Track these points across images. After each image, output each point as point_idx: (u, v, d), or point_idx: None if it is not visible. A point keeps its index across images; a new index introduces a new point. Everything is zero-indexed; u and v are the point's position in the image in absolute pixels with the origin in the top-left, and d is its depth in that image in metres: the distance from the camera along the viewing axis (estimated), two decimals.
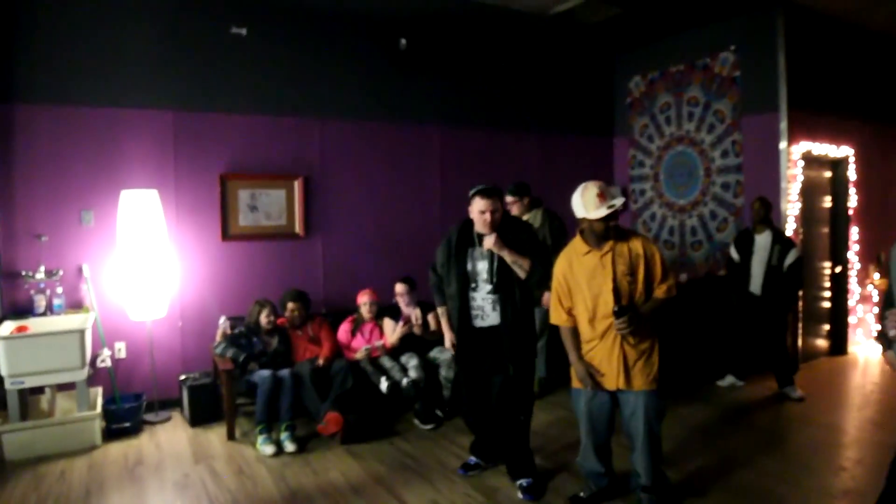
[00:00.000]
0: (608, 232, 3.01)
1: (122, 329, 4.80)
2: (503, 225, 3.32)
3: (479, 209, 3.27)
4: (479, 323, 3.38)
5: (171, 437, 4.44)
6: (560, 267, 3.14)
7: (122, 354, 4.84)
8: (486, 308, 3.36)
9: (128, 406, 4.50)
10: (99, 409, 4.36)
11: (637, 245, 3.03)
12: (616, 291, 2.96)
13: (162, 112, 4.93)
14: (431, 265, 3.64)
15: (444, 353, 4.75)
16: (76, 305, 4.67)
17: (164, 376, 4.90)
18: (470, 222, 3.39)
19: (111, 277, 4.75)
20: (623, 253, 3.01)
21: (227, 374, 4.36)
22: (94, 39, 4.68)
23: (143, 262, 4.55)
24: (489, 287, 3.32)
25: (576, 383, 3.19)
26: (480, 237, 3.34)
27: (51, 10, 4.56)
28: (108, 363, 4.67)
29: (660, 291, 3.03)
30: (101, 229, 4.74)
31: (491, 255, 3.30)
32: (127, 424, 4.44)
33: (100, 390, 4.62)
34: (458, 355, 3.52)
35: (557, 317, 3.16)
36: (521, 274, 3.26)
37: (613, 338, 2.99)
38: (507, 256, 3.25)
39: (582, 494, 3.29)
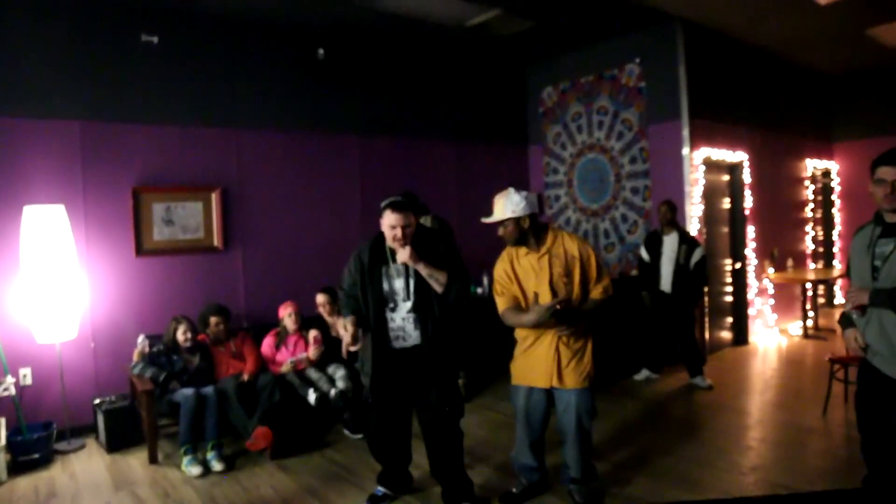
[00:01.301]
0: (534, 237, 3.13)
1: (28, 353, 4.50)
2: (417, 237, 3.10)
3: (389, 224, 3.03)
4: (399, 344, 3.15)
5: (86, 465, 4.20)
6: (502, 265, 3.23)
7: (28, 381, 4.53)
8: (407, 328, 3.13)
9: (36, 436, 4.23)
10: (3, 440, 4.05)
11: (573, 247, 3.15)
12: (553, 293, 3.07)
13: (68, 122, 4.68)
14: (338, 284, 3.38)
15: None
16: None
17: (77, 401, 4.64)
18: (381, 238, 3.16)
19: (14, 298, 4.46)
20: (559, 255, 3.12)
21: (146, 394, 4.17)
22: None
23: (50, 280, 4.30)
24: (408, 305, 3.11)
25: (515, 380, 3.28)
26: (394, 253, 3.12)
27: None
28: (12, 391, 4.36)
29: (596, 292, 3.16)
30: (2, 247, 4.44)
31: (406, 270, 3.11)
32: (36, 456, 4.16)
33: (2, 421, 4.29)
34: (373, 380, 3.19)
35: (503, 303, 3.17)
36: (438, 288, 3.07)
37: (550, 338, 3.11)
38: (423, 270, 3.05)
39: (514, 490, 3.38)
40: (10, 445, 4.13)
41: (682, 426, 4.54)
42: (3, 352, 4.36)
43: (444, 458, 3.28)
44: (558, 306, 2.97)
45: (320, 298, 5.02)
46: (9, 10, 4.46)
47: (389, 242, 3.09)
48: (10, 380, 4.36)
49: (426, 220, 5.00)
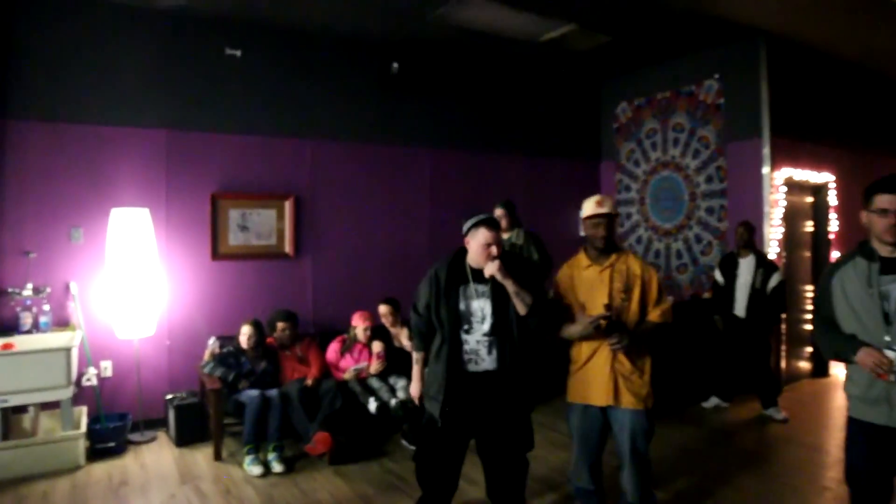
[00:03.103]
0: (608, 247, 3.09)
1: (109, 348, 4.77)
2: (503, 257, 2.96)
3: (484, 241, 2.90)
4: (471, 368, 2.97)
5: (156, 457, 4.39)
6: (562, 276, 3.21)
7: (109, 373, 4.80)
8: (480, 352, 2.97)
9: (113, 426, 4.46)
10: (83, 428, 4.31)
11: (635, 265, 3.10)
12: (609, 307, 3.00)
13: (155, 131, 4.96)
14: (413, 305, 3.19)
15: None
16: (63, 323, 4.64)
17: (150, 396, 4.87)
18: (460, 256, 3.04)
19: (99, 295, 4.73)
20: (622, 270, 3.08)
21: (214, 393, 4.33)
22: (88, 57, 4.73)
23: (132, 280, 4.54)
24: (485, 328, 2.96)
25: (571, 397, 3.22)
26: (474, 273, 2.99)
27: (46, 28, 4.60)
28: (94, 382, 4.64)
29: (654, 315, 3.07)
30: (90, 247, 4.73)
31: (487, 291, 2.97)
32: (112, 444, 4.39)
33: (84, 409, 4.57)
34: (443, 405, 2.96)
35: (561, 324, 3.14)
36: (522, 309, 2.91)
37: (606, 354, 3.04)
38: (510, 286, 2.89)
39: None
40: (90, 433, 4.38)
41: (751, 459, 4.31)
42: (87, 344, 4.64)
43: (506, 487, 3.13)
44: (602, 322, 2.92)
45: (383, 309, 5.08)
46: (103, 24, 4.78)
47: (478, 260, 2.96)
48: (92, 371, 4.63)
49: (518, 234, 5.01)
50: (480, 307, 2.98)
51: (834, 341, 2.40)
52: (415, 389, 3.26)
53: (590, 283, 3.10)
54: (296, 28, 5.45)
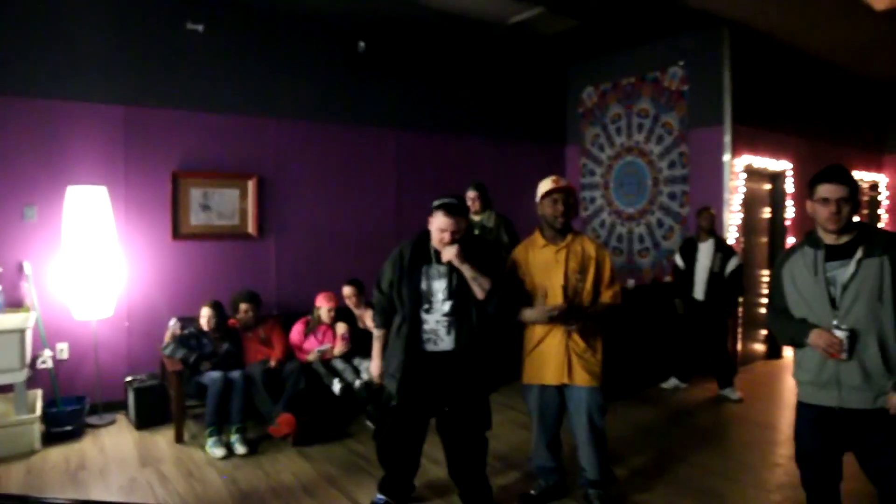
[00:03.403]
0: (565, 227, 3.16)
1: (65, 329, 4.65)
2: (466, 241, 2.97)
3: (439, 227, 2.90)
4: (430, 347, 3.00)
5: (115, 440, 4.32)
6: (518, 254, 3.27)
7: (65, 355, 4.68)
8: (439, 331, 2.99)
9: (70, 409, 4.37)
10: (38, 412, 4.20)
11: (590, 247, 3.19)
12: (565, 287, 3.10)
13: (113, 107, 4.81)
14: (377, 283, 3.19)
15: None
16: (16, 304, 4.50)
17: (109, 378, 4.77)
18: (425, 237, 3.05)
19: (55, 275, 4.60)
20: (577, 251, 3.16)
21: (176, 375, 4.27)
22: (42, 29, 4.55)
23: (89, 259, 4.43)
24: (445, 308, 2.97)
25: (526, 378, 3.27)
26: (437, 253, 2.99)
27: None
28: (50, 364, 4.52)
29: (606, 296, 3.18)
30: (44, 225, 4.58)
31: (449, 272, 2.98)
32: (69, 428, 4.30)
33: (39, 393, 4.45)
34: (401, 383, 3.00)
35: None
36: (480, 294, 2.93)
37: (560, 335, 3.11)
38: (468, 272, 2.91)
39: (532, 492, 3.37)
40: (45, 416, 4.28)
41: (707, 437, 4.46)
42: (42, 326, 4.51)
43: (465, 465, 3.18)
44: (554, 312, 3.01)
45: (347, 290, 5.05)
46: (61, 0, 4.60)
47: (435, 243, 2.97)
48: (47, 353, 4.51)
49: (489, 216, 5.02)
50: (441, 288, 3.00)
51: (787, 327, 2.49)
52: (375, 367, 3.30)
53: (545, 263, 3.16)
54: (261, 4, 5.31)
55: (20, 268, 4.52)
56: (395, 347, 3.08)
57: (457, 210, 2.92)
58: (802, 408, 2.49)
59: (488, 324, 3.03)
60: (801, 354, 2.46)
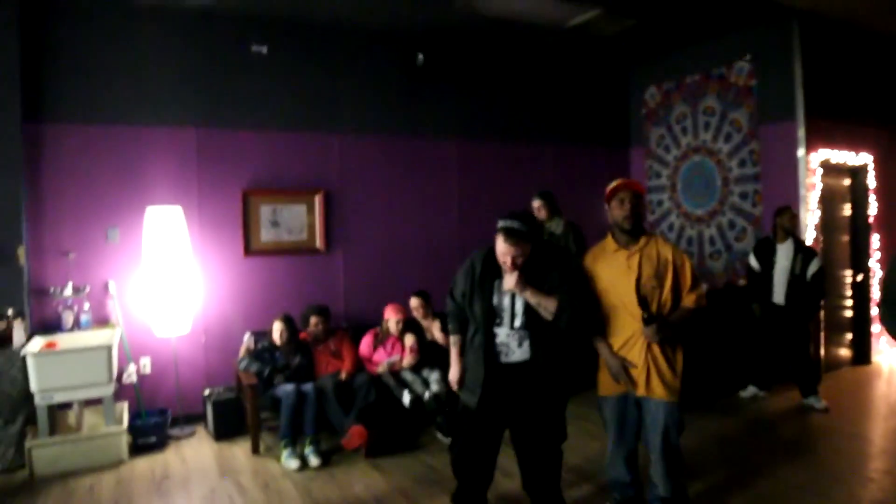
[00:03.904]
0: (635, 229, 3.02)
1: (148, 345, 4.87)
2: (534, 256, 2.90)
3: (501, 251, 2.85)
4: (503, 359, 2.98)
5: (196, 451, 4.48)
6: (588, 259, 3.17)
7: (148, 370, 4.90)
8: (511, 344, 2.97)
9: (153, 421, 4.56)
10: (125, 424, 4.41)
11: (666, 251, 3.02)
12: (640, 295, 2.96)
13: (184, 129, 5.02)
14: (450, 290, 3.18)
15: None
16: (103, 321, 4.75)
17: (189, 391, 4.96)
18: (495, 250, 2.97)
19: (136, 293, 4.83)
20: (651, 256, 3.00)
21: (251, 388, 4.40)
22: (116, 58, 4.81)
23: (168, 278, 4.62)
24: (516, 323, 2.95)
25: (603, 390, 3.19)
26: None
27: (75, 30, 4.68)
28: (134, 378, 4.73)
29: (689, 300, 3.01)
30: (126, 246, 4.82)
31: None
32: (153, 439, 4.49)
33: (126, 405, 4.68)
34: (482, 394, 2.98)
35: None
36: (547, 316, 2.89)
37: (640, 345, 2.99)
38: (531, 298, 2.87)
39: None
40: (132, 428, 4.48)
41: (791, 450, 4.23)
42: (126, 342, 4.74)
43: (539, 478, 3.11)
44: (623, 379, 3.00)
45: (414, 302, 5.09)
46: (130, 25, 4.85)
47: (501, 264, 2.92)
48: (132, 368, 4.73)
49: (558, 224, 4.99)
50: (511, 304, 2.96)
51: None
52: (454, 374, 3.23)
53: (618, 269, 3.02)
54: (320, 22, 5.45)
55: (106, 286, 4.77)
56: (471, 360, 3.07)
57: (517, 234, 2.82)
58: None
59: (561, 336, 2.98)
60: None
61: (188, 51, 5.03)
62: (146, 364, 4.89)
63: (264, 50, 5.25)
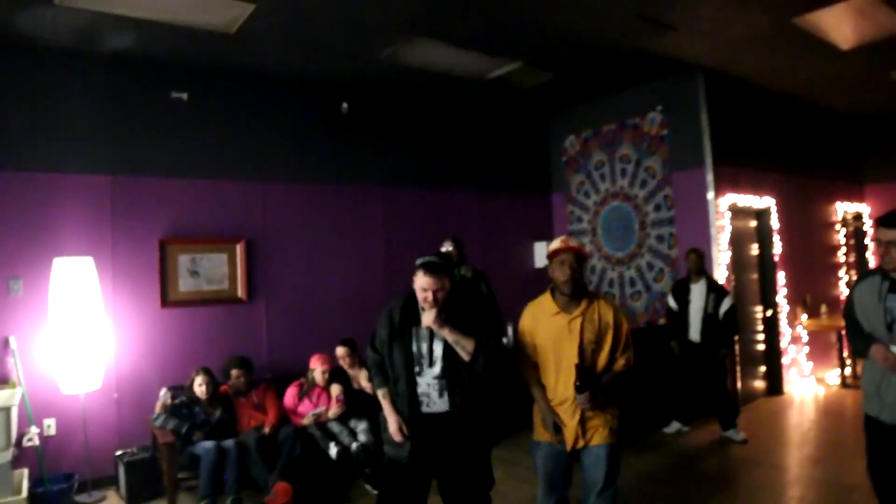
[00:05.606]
0: (577, 290, 2.97)
1: (53, 404, 4.53)
2: (452, 294, 2.85)
3: (421, 286, 2.79)
4: (424, 409, 2.90)
5: None
6: (525, 322, 3.11)
7: (52, 431, 4.55)
8: (431, 395, 2.88)
9: (57, 488, 4.22)
10: (25, 493, 4.04)
11: (608, 313, 3.00)
12: (580, 361, 2.92)
13: (99, 177, 4.83)
14: (370, 340, 3.09)
15: None
16: (1, 381, 4.40)
17: (99, 453, 4.62)
18: (413, 296, 2.91)
19: (41, 349, 4.51)
20: (594, 320, 2.97)
21: (167, 447, 4.15)
22: (26, 102, 4.60)
23: (77, 331, 4.35)
24: (435, 371, 2.87)
25: (537, 435, 3.17)
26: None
27: None
28: (36, 441, 4.38)
29: (619, 364, 3.02)
30: (30, 298, 4.52)
31: (432, 334, 2.87)
32: None
33: (25, 472, 4.29)
34: (412, 447, 2.89)
35: (523, 370, 3.11)
36: (465, 356, 2.81)
37: (571, 401, 2.97)
38: (449, 336, 2.81)
39: None
40: (32, 497, 4.12)
41: (714, 482, 4.36)
42: (28, 402, 4.40)
43: None
44: (554, 436, 2.98)
45: (340, 351, 4.99)
46: (42, 68, 4.67)
47: (421, 303, 2.85)
48: (34, 430, 4.38)
49: (468, 270, 5.05)
50: (428, 350, 2.89)
51: (857, 339, 2.90)
52: (393, 426, 2.99)
53: (558, 333, 2.97)
54: (243, 70, 5.42)
55: (5, 343, 4.44)
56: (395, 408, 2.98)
57: (438, 268, 2.80)
58: (869, 420, 2.85)
59: (481, 383, 2.92)
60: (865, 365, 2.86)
61: (103, 96, 4.88)
62: (51, 425, 4.55)
63: (184, 96, 5.16)
